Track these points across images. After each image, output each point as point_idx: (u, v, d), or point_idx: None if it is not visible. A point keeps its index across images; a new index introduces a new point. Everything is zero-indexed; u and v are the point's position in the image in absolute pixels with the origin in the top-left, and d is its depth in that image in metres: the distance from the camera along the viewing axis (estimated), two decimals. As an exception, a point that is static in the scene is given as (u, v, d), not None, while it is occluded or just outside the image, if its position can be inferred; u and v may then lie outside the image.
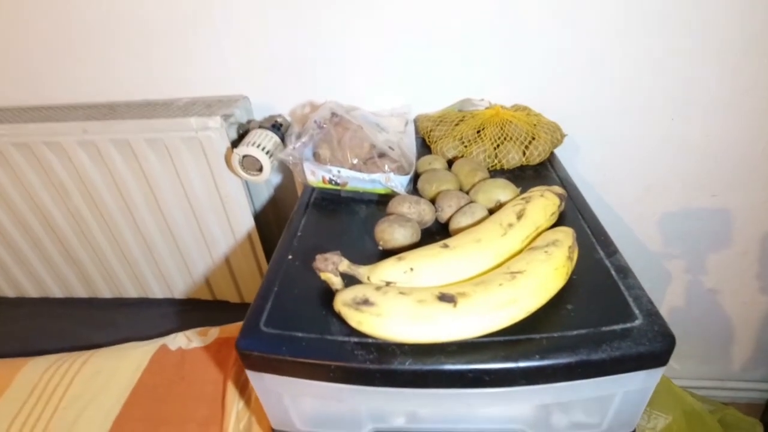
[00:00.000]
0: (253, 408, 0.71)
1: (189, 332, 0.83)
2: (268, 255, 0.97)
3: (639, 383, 0.44)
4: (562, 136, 0.77)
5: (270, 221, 1.00)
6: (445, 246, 0.49)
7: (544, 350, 0.42)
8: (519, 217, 0.53)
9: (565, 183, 0.68)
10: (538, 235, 0.52)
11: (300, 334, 0.46)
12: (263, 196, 0.97)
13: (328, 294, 0.48)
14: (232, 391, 0.72)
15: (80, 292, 1.12)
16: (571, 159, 0.87)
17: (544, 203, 0.55)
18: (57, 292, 1.14)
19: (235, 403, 0.70)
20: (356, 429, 0.52)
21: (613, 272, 0.50)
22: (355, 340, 0.44)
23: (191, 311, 1.04)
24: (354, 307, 0.42)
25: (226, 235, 0.95)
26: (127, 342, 0.87)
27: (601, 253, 0.53)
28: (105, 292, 1.11)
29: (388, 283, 0.46)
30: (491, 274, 0.45)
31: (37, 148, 0.87)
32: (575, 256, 0.49)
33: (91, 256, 1.03)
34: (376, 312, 0.42)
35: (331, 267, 0.47)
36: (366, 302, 0.42)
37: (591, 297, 0.47)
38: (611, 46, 0.80)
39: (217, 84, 0.89)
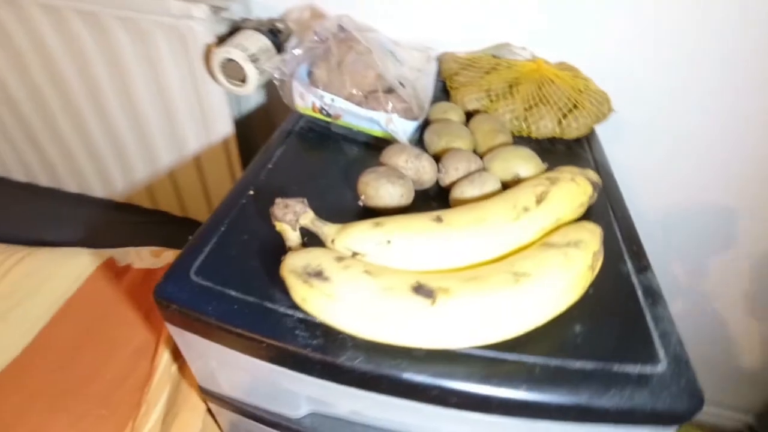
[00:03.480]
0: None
1: (142, 249, 0.74)
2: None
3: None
4: (610, 110, 0.64)
5: (256, 138, 0.88)
6: (439, 219, 0.38)
7: (535, 381, 0.32)
8: (539, 200, 0.41)
9: (602, 169, 0.56)
10: (558, 227, 0.41)
11: (234, 293, 0.36)
12: (251, 107, 0.84)
13: (282, 249, 0.38)
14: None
15: (42, 179, 1.02)
16: (609, 142, 0.74)
17: (572, 189, 0.44)
18: (19, 175, 1.04)
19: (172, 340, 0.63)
20: (291, 409, 0.44)
21: (640, 294, 0.39)
22: (300, 315, 0.35)
23: (155, 224, 0.95)
24: (302, 278, 0.32)
25: (201, 144, 0.83)
26: (74, 244, 0.78)
27: (630, 266, 0.42)
28: (70, 185, 1.01)
29: (355, 254, 0.35)
30: (488, 270, 0.35)
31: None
32: (599, 265, 0.38)
33: (53, 140, 0.92)
34: (327, 291, 0.31)
35: (290, 217, 0.37)
36: (319, 275, 0.32)
37: (607, 321, 0.37)
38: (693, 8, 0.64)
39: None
